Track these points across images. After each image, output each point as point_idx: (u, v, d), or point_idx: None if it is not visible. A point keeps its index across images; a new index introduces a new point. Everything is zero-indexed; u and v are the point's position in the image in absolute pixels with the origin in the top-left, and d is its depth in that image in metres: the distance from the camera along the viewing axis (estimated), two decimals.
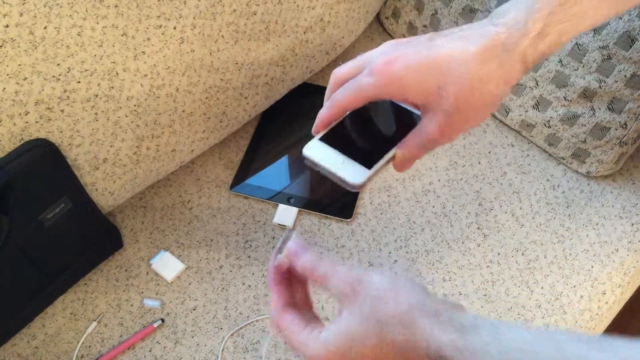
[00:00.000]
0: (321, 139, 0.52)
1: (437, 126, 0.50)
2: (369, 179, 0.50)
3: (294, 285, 0.48)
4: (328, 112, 0.53)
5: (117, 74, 0.74)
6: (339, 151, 0.51)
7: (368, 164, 0.50)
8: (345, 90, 0.52)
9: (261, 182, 0.95)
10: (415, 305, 0.40)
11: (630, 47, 0.82)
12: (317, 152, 0.51)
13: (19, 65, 0.66)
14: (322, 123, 0.53)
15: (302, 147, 0.51)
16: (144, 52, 0.76)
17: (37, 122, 0.70)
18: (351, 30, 1.04)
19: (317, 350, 0.42)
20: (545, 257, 0.88)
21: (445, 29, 0.76)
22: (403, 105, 0.56)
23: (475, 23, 0.51)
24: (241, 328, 0.81)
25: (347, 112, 0.54)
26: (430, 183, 0.96)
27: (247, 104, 0.94)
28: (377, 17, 1.18)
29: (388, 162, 0.52)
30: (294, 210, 0.91)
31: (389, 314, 0.40)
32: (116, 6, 0.71)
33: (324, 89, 0.56)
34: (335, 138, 0.52)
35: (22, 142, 0.70)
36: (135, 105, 0.78)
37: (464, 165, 0.98)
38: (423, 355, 0.38)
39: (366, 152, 0.52)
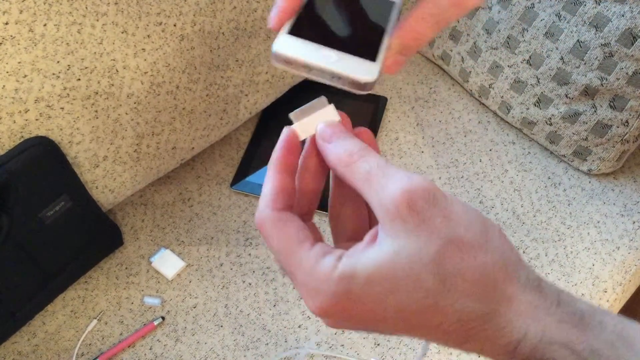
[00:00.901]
0: (291, 33, 0.36)
1: None
2: (380, 74, 0.36)
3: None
4: None
5: (117, 71, 0.74)
6: (324, 44, 0.35)
7: (369, 55, 0.36)
8: None
9: (262, 180, 0.94)
10: (514, 269, 0.28)
11: (632, 44, 0.81)
12: (295, 48, 0.35)
13: (19, 62, 0.66)
14: (284, 10, 0.36)
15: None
16: (144, 50, 0.75)
17: (37, 119, 0.70)
18: None
19: (328, 286, 0.28)
20: (546, 255, 0.88)
21: None
22: None
23: None
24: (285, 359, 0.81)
25: None
26: (431, 181, 0.96)
27: (248, 101, 0.93)
28: None
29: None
30: None
31: (470, 269, 0.27)
32: (116, 3, 0.71)
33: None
34: (311, 28, 0.37)
35: (22, 139, 0.70)
36: (135, 103, 0.78)
37: (465, 163, 0.98)
38: (501, 350, 0.27)
39: (360, 41, 0.37)
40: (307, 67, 0.34)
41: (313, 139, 0.35)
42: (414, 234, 0.27)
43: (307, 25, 0.37)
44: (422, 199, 0.28)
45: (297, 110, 0.35)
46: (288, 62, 0.35)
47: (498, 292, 0.27)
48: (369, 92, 0.35)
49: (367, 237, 0.29)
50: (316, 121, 0.35)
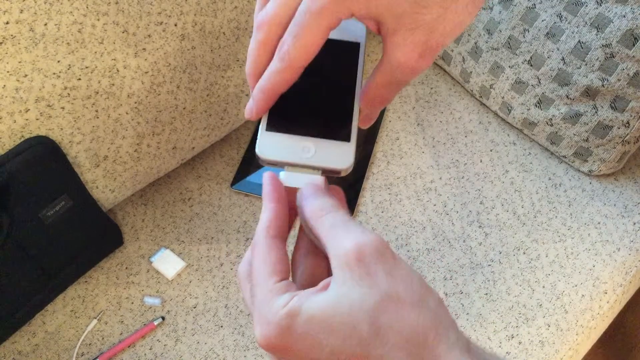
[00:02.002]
0: (269, 129, 0.38)
1: (414, 47, 0.35)
2: (355, 153, 0.38)
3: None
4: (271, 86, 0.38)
5: (117, 71, 0.74)
6: (300, 134, 0.38)
7: (344, 136, 0.38)
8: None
9: (262, 180, 0.94)
10: (444, 330, 0.30)
11: (634, 45, 0.81)
12: (273, 147, 0.38)
13: (19, 62, 0.66)
14: (261, 106, 0.38)
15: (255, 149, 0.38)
16: (144, 49, 0.75)
17: (37, 119, 0.70)
18: None
19: (274, 319, 0.30)
20: (546, 256, 0.88)
21: None
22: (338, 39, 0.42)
23: None
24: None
25: None
26: (431, 181, 0.96)
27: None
28: None
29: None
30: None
31: (404, 324, 0.29)
32: (117, 3, 0.71)
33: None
34: (285, 119, 0.39)
35: (23, 139, 0.70)
36: (136, 103, 0.78)
37: (466, 164, 0.98)
38: None
39: (332, 120, 0.39)
40: (288, 165, 0.38)
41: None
42: (358, 283, 0.30)
43: (281, 116, 0.39)
44: (370, 253, 0.31)
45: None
46: (270, 163, 0.38)
47: (427, 349, 0.30)
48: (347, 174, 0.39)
49: (321, 283, 0.32)
50: (303, 179, 0.38)
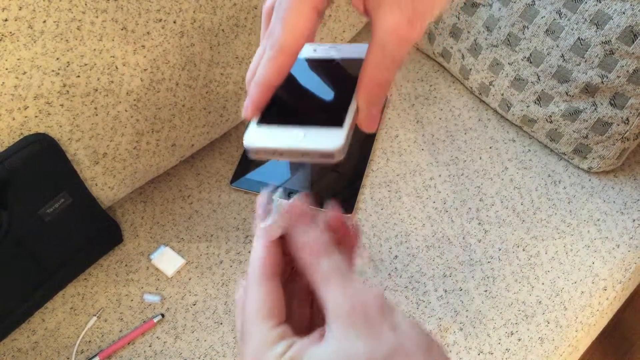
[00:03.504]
0: (260, 122, 0.38)
1: (402, 12, 0.34)
2: (347, 138, 0.37)
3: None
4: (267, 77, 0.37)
5: (116, 68, 0.74)
6: (291, 124, 0.37)
7: (336, 122, 0.37)
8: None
9: (261, 177, 0.94)
10: None
11: (633, 42, 0.81)
12: (263, 137, 0.37)
13: (18, 59, 0.66)
14: (258, 102, 0.37)
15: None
16: (143, 46, 0.75)
17: (36, 116, 0.70)
18: (352, 24, 1.03)
19: None
20: (546, 253, 0.88)
21: (445, 21, 0.73)
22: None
23: None
24: None
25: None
26: (431, 178, 0.96)
27: None
28: None
29: (357, 114, 0.39)
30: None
31: None
32: (116, 0, 0.70)
33: None
34: (278, 112, 0.39)
35: (22, 136, 0.70)
36: (135, 100, 0.78)
37: (465, 161, 0.98)
38: None
39: (325, 112, 0.38)
40: (277, 152, 0.36)
41: None
42: (363, 338, 0.29)
43: (273, 111, 0.38)
44: (374, 307, 0.30)
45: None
46: (259, 152, 0.36)
47: None
48: (340, 160, 0.36)
49: (318, 332, 0.31)
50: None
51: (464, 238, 0.89)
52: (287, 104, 0.39)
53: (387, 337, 0.29)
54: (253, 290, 0.33)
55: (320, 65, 0.42)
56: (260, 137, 0.37)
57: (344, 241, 0.37)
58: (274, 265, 0.34)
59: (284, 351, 0.30)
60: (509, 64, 0.95)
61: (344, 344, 0.29)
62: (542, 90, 0.92)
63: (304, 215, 0.34)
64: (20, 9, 0.64)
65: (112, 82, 0.74)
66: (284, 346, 0.30)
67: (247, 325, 0.32)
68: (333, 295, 0.30)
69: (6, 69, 0.65)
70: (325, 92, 0.41)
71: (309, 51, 0.44)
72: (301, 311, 0.37)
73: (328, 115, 0.38)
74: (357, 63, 0.41)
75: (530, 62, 0.92)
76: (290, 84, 0.40)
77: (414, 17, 0.34)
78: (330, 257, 0.32)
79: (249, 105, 0.38)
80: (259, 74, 0.37)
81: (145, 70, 0.77)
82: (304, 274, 0.33)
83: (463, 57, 1.02)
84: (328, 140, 0.35)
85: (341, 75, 0.41)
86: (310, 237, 0.33)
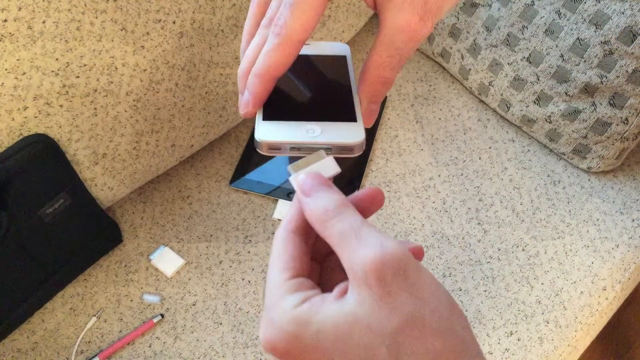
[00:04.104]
0: (266, 118, 0.36)
1: (414, 9, 0.33)
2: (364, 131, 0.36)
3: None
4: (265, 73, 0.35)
5: (116, 68, 0.74)
6: (302, 120, 0.36)
7: (349, 117, 0.36)
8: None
9: (261, 177, 0.94)
10: (468, 357, 0.28)
11: (632, 42, 0.81)
12: (277, 132, 0.35)
13: (18, 60, 0.66)
14: (259, 96, 0.36)
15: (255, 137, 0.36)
16: (143, 47, 0.75)
17: (35, 117, 0.70)
18: (351, 25, 1.03)
19: (280, 323, 0.28)
20: (545, 253, 0.88)
21: (444, 21, 0.74)
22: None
23: None
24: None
25: None
26: (430, 178, 0.96)
27: None
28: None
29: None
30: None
31: (426, 353, 0.27)
32: (115, 0, 0.70)
33: None
34: (282, 108, 0.37)
35: (21, 137, 0.70)
36: (134, 100, 0.78)
37: (465, 161, 0.98)
38: None
39: (333, 105, 0.37)
40: (296, 147, 0.35)
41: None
42: (378, 304, 0.27)
43: (277, 106, 0.37)
44: (392, 270, 0.28)
45: (297, 161, 0.35)
46: (275, 147, 0.35)
47: None
48: (359, 154, 0.35)
49: (337, 290, 0.29)
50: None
51: (463, 238, 0.89)
52: (288, 99, 0.38)
53: (402, 305, 0.27)
54: (275, 244, 0.32)
55: (318, 62, 0.42)
56: (273, 131, 0.35)
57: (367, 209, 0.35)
58: (299, 222, 0.32)
59: (298, 304, 0.29)
60: (508, 64, 0.95)
61: (360, 310, 0.27)
62: (542, 90, 0.92)
63: (317, 182, 0.33)
64: (19, 9, 0.64)
65: (111, 82, 0.74)
66: (298, 299, 0.29)
67: (267, 275, 0.31)
68: (348, 257, 0.28)
69: (5, 69, 0.65)
70: (320, 87, 0.40)
71: (307, 48, 0.43)
72: (314, 268, 0.35)
73: (338, 109, 0.37)
74: (342, 59, 0.41)
75: (530, 62, 0.92)
76: (284, 78, 0.39)
77: (425, 15, 0.33)
78: (341, 217, 0.30)
79: (249, 99, 0.35)
80: (262, 65, 0.35)
81: (144, 70, 0.77)
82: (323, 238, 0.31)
83: (462, 57, 1.02)
84: (349, 134, 0.35)
85: (329, 70, 0.41)
86: (318, 199, 0.31)
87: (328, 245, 0.32)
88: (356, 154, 0.35)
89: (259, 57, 0.35)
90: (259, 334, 0.30)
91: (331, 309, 0.28)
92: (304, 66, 0.41)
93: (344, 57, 0.41)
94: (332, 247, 0.30)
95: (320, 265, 0.36)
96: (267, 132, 0.35)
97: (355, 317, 0.27)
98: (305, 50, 0.43)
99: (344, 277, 0.31)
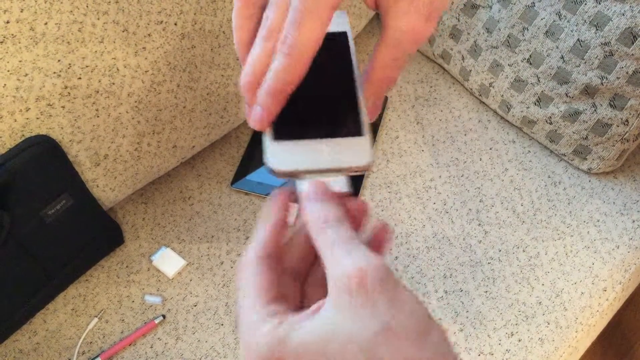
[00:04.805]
0: (277, 138, 0.36)
1: (420, 10, 0.33)
2: (372, 145, 0.36)
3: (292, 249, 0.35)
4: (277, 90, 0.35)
5: (118, 70, 0.74)
6: (311, 138, 0.36)
7: (355, 131, 0.36)
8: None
9: (262, 178, 0.95)
10: None
11: (633, 43, 0.81)
12: (285, 157, 0.35)
13: (20, 61, 0.66)
14: (271, 111, 0.36)
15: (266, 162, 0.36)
16: (144, 48, 0.75)
17: (37, 118, 0.70)
18: (352, 26, 1.04)
19: (258, 348, 0.29)
20: (546, 254, 0.88)
21: (445, 22, 0.74)
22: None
23: None
24: None
25: None
26: (431, 179, 0.96)
27: None
28: (378, 14, 1.17)
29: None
30: (295, 206, 0.91)
31: (400, 359, 0.27)
32: (117, 2, 0.71)
33: None
34: (292, 124, 0.36)
35: (23, 138, 0.70)
36: (136, 102, 0.78)
37: (465, 162, 0.98)
38: None
39: (339, 116, 0.37)
40: (308, 173, 0.35)
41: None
42: (357, 311, 0.28)
43: (286, 122, 0.36)
44: (373, 280, 0.28)
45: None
46: (287, 175, 0.35)
47: None
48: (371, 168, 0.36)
49: (313, 306, 0.30)
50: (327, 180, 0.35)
51: (464, 239, 0.90)
52: (296, 113, 0.37)
53: (381, 312, 0.28)
54: (245, 269, 0.32)
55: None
56: (284, 157, 0.35)
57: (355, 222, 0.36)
58: (271, 247, 0.33)
59: (273, 328, 0.29)
60: (508, 65, 0.95)
61: (338, 318, 0.28)
62: (542, 91, 0.92)
63: (323, 191, 0.33)
64: (21, 11, 0.64)
65: (113, 84, 0.74)
66: (276, 321, 0.29)
67: (240, 303, 0.31)
68: (334, 263, 0.29)
69: (8, 70, 0.65)
70: (325, 94, 0.39)
71: None
72: (294, 289, 0.36)
73: (344, 121, 0.36)
74: (342, 37, 0.39)
75: (530, 64, 0.92)
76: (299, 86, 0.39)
77: (430, 15, 0.34)
78: (337, 226, 0.31)
79: (263, 116, 0.35)
80: (275, 84, 0.34)
81: (146, 72, 0.77)
82: (313, 243, 0.32)
83: (463, 58, 1.02)
84: (356, 156, 0.35)
85: (334, 58, 0.39)
86: (320, 207, 0.32)
87: (309, 264, 0.33)
88: (368, 170, 0.36)
89: (270, 75, 0.34)
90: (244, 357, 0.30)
91: (309, 323, 0.29)
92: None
93: (344, 35, 0.40)
94: (320, 254, 0.31)
95: (300, 284, 0.36)
96: (278, 159, 0.36)
97: (334, 326, 0.28)
98: None
99: (323, 294, 0.31)
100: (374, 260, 0.29)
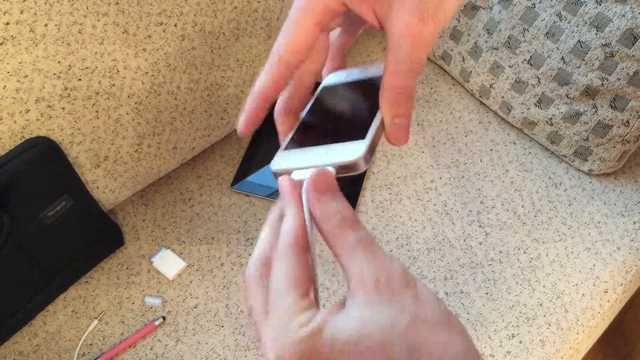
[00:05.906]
0: (287, 147, 0.39)
1: (410, 10, 0.34)
2: (370, 149, 0.36)
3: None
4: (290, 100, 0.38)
5: (118, 71, 0.74)
6: (315, 145, 0.37)
7: (358, 136, 0.36)
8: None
9: (262, 180, 0.95)
10: (474, 353, 0.30)
11: (633, 44, 0.81)
12: (288, 159, 0.37)
13: (20, 62, 0.66)
14: (284, 130, 0.40)
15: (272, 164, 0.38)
16: (144, 50, 0.75)
17: (37, 119, 0.70)
18: None
19: (297, 339, 0.29)
20: (547, 256, 0.88)
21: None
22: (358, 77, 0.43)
23: None
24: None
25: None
26: (431, 181, 0.96)
27: None
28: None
29: (382, 125, 0.38)
30: None
31: (436, 345, 0.29)
32: (117, 3, 0.71)
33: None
34: (303, 138, 0.39)
35: (23, 140, 0.70)
36: (136, 103, 0.78)
37: (466, 163, 0.98)
38: None
39: (349, 128, 0.38)
40: (299, 169, 0.36)
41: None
42: (386, 306, 0.30)
43: (301, 135, 0.39)
44: (399, 279, 0.31)
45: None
46: (283, 174, 0.37)
47: None
48: (365, 169, 0.37)
49: (335, 305, 0.31)
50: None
51: (464, 241, 0.89)
52: (313, 128, 0.40)
53: (410, 306, 0.30)
54: (283, 262, 0.32)
55: (348, 89, 0.43)
56: (284, 160, 0.37)
57: None
58: (305, 238, 0.34)
59: (307, 321, 0.30)
60: (509, 66, 0.95)
61: (367, 312, 0.29)
62: (543, 92, 0.92)
63: (332, 184, 0.34)
64: (21, 12, 0.64)
65: (113, 85, 0.74)
66: (308, 316, 0.30)
67: (273, 296, 0.32)
68: (359, 265, 0.31)
69: (8, 72, 0.65)
70: (352, 113, 0.41)
71: (341, 77, 0.44)
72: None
73: (351, 131, 0.37)
74: (374, 82, 0.41)
75: (531, 65, 0.92)
76: (319, 109, 0.41)
77: (424, 13, 0.34)
78: (357, 229, 0.32)
79: (243, 118, 0.37)
80: (255, 86, 0.37)
81: (146, 73, 0.77)
82: (326, 243, 0.33)
83: (463, 59, 1.02)
84: (349, 153, 0.35)
85: (367, 94, 0.41)
86: (338, 207, 0.33)
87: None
88: (361, 170, 0.36)
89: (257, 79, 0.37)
90: (267, 353, 0.31)
91: (342, 317, 0.30)
92: (345, 94, 0.42)
93: (379, 78, 0.40)
94: (338, 255, 0.32)
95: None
96: (279, 161, 0.37)
97: (366, 321, 0.29)
98: (354, 76, 0.43)
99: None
100: (396, 262, 0.32)
